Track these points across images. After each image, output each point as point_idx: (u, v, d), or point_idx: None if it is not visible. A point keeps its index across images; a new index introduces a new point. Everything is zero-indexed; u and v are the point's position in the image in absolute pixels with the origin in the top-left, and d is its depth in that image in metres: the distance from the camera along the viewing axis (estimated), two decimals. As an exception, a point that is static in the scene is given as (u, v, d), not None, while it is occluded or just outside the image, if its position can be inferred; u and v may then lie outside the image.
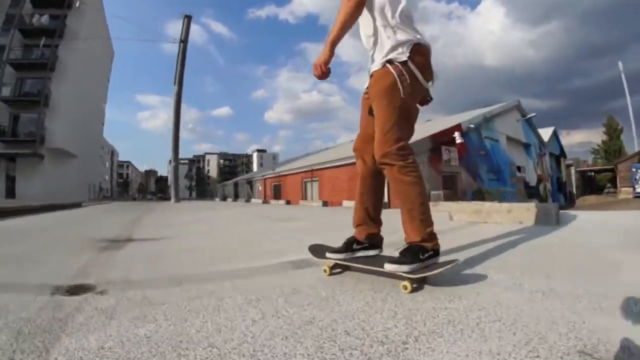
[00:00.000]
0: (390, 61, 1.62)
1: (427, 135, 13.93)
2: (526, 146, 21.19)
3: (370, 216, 1.81)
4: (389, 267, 1.49)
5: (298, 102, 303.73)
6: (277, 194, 21.57)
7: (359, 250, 1.77)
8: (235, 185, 34.24)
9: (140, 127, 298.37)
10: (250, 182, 29.22)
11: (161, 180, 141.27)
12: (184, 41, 20.37)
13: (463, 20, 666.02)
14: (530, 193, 20.43)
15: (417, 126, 1.80)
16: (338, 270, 1.80)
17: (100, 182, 45.00)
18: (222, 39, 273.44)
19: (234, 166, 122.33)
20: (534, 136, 22.62)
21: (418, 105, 1.78)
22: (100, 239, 3.28)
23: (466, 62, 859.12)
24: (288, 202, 15.55)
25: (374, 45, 1.71)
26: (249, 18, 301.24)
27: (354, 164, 2.02)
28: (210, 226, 5.00)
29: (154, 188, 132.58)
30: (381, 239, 1.85)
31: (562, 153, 30.34)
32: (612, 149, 38.34)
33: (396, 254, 1.56)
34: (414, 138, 1.84)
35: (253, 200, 22.35)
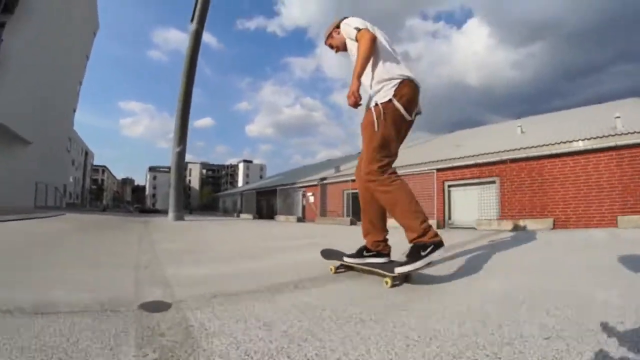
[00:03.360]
0: (376, 103, 1.96)
1: None
2: None
3: (374, 225, 2.12)
4: (398, 269, 1.77)
5: (280, 117, 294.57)
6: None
7: (368, 257, 2.09)
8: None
9: (121, 134, 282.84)
10: (285, 191, 17.91)
11: (138, 190, 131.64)
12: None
13: (448, 40, 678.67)
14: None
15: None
16: (342, 269, 2.24)
17: (66, 184, 35.70)
18: (210, 48, 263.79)
19: (217, 177, 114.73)
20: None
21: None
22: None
23: (450, 81, 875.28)
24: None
25: (369, 82, 2.04)
26: (238, 29, 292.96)
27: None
28: None
29: (130, 197, 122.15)
30: (389, 247, 2.12)
31: None
32: None
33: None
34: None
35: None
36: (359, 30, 2.02)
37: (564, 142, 8.19)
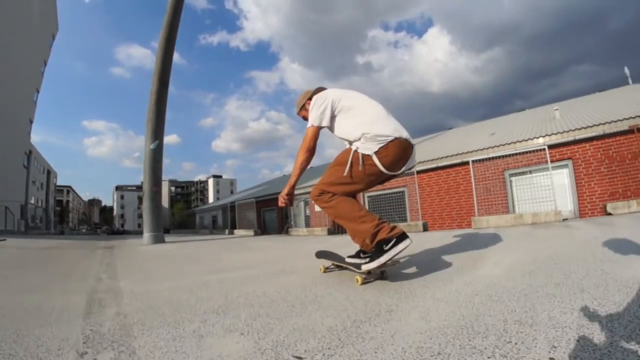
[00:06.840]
0: (357, 148, 1.91)
1: None
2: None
3: None
4: (364, 267, 1.84)
5: (246, 131, 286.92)
6: (400, 210, 10.13)
7: (363, 257, 2.02)
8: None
9: (85, 153, 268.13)
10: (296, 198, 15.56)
11: (105, 210, 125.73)
12: None
13: (410, 49, 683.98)
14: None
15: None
16: (331, 269, 2.41)
17: (22, 204, 31.26)
18: (173, 65, 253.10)
19: (187, 194, 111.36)
20: None
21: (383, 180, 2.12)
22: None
23: (414, 89, 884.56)
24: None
25: (356, 137, 1.98)
26: (200, 44, 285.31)
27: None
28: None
29: (98, 219, 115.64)
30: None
31: None
32: None
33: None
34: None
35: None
36: (309, 127, 2.08)
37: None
